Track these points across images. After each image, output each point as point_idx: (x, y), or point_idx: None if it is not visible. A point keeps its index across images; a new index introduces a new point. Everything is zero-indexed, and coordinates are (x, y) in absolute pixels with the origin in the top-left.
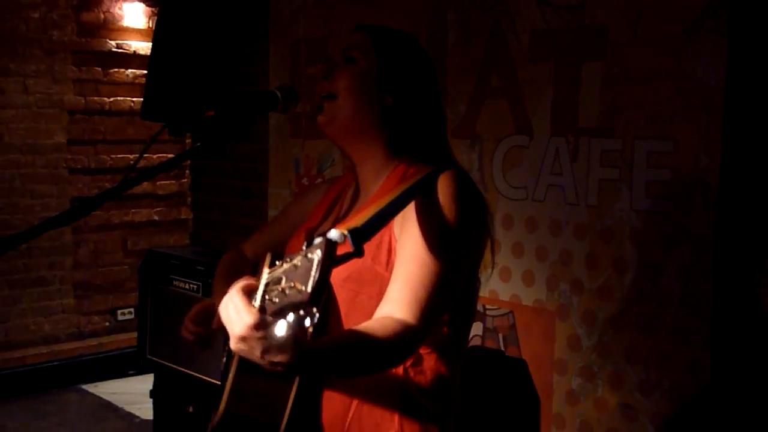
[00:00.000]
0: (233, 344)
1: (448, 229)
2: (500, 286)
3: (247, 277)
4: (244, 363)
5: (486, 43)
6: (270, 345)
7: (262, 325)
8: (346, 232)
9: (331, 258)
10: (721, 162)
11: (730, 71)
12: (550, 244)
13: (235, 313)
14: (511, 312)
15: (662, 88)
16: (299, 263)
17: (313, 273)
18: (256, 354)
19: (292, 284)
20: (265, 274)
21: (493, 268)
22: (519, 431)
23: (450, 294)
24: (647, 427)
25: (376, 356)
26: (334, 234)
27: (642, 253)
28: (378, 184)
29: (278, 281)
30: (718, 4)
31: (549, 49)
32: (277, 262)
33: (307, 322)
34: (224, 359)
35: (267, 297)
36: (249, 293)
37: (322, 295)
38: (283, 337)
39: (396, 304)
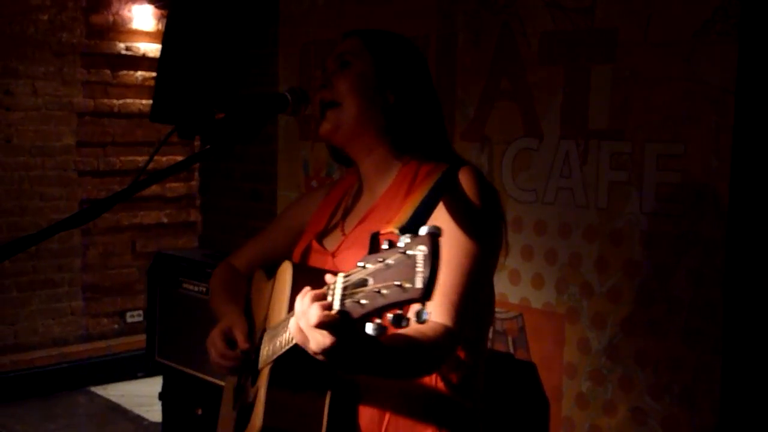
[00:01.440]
0: (312, 343)
1: (478, 228)
2: (509, 288)
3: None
4: (276, 376)
5: (495, 45)
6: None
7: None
8: (396, 231)
9: (437, 252)
10: (731, 165)
11: (740, 74)
12: (559, 247)
13: (310, 310)
14: (521, 315)
15: (672, 91)
16: (393, 262)
17: (421, 268)
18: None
19: (391, 283)
20: (340, 279)
21: (505, 258)
22: None
23: (478, 293)
24: (657, 431)
25: (425, 360)
26: (430, 229)
27: (652, 256)
28: (386, 183)
29: (362, 284)
30: (729, 7)
31: (559, 51)
32: (359, 265)
33: (425, 315)
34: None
35: (350, 300)
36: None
37: (432, 292)
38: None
39: (433, 308)
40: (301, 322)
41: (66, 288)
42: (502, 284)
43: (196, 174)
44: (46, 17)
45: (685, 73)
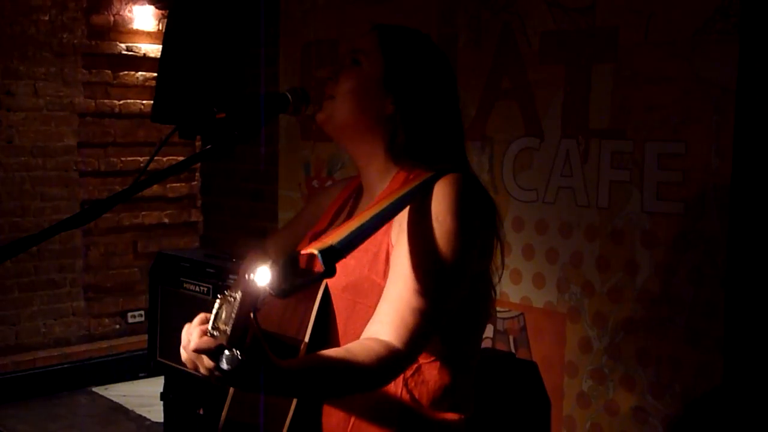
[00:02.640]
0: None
1: (441, 242)
2: (511, 288)
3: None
4: None
5: (496, 44)
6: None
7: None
8: (316, 252)
9: (251, 300)
10: (732, 164)
11: (741, 73)
12: (560, 246)
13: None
14: (522, 314)
15: (673, 90)
16: (231, 299)
17: (233, 315)
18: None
19: (222, 323)
20: (216, 304)
21: (502, 270)
22: None
23: (442, 314)
24: (658, 430)
25: (353, 381)
26: (260, 275)
27: (653, 255)
28: (383, 186)
29: (219, 315)
30: (729, 6)
31: (559, 50)
32: (221, 295)
33: (224, 365)
34: None
35: (212, 331)
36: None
37: (240, 337)
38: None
39: (382, 326)
40: (186, 348)
41: (67, 288)
42: (503, 283)
43: (198, 174)
44: (46, 18)
45: (685, 72)
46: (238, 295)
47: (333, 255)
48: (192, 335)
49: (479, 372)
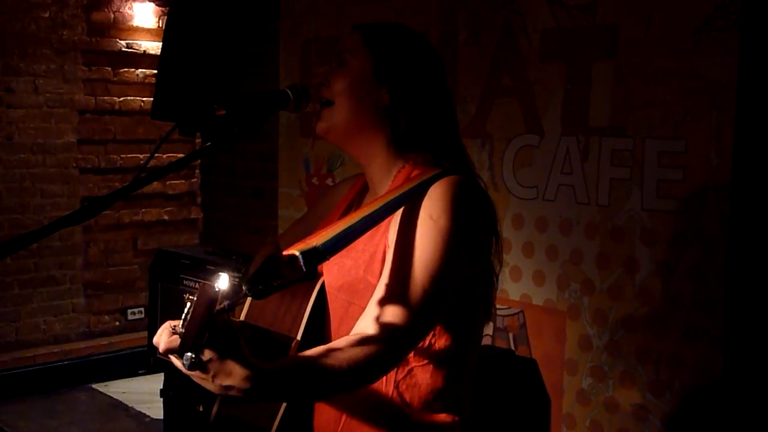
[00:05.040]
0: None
1: (435, 238)
2: (510, 285)
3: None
4: None
5: (496, 42)
6: (217, 368)
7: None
8: (297, 254)
9: (205, 302)
10: (732, 161)
11: (741, 70)
12: (560, 244)
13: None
14: (522, 311)
15: (673, 88)
16: (188, 303)
17: (187, 317)
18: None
19: (181, 324)
20: (187, 305)
21: (500, 267)
22: (529, 431)
23: (433, 309)
24: (658, 428)
25: (336, 380)
26: (220, 281)
27: (653, 252)
28: (387, 184)
29: (186, 316)
30: (730, 3)
31: (560, 48)
32: (187, 295)
33: (179, 365)
34: None
35: (180, 330)
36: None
37: (199, 339)
38: (227, 360)
39: (371, 322)
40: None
41: (67, 285)
42: (503, 281)
43: (197, 171)
44: (47, 15)
45: (686, 69)
46: (194, 298)
47: (314, 257)
48: (161, 336)
49: (478, 369)
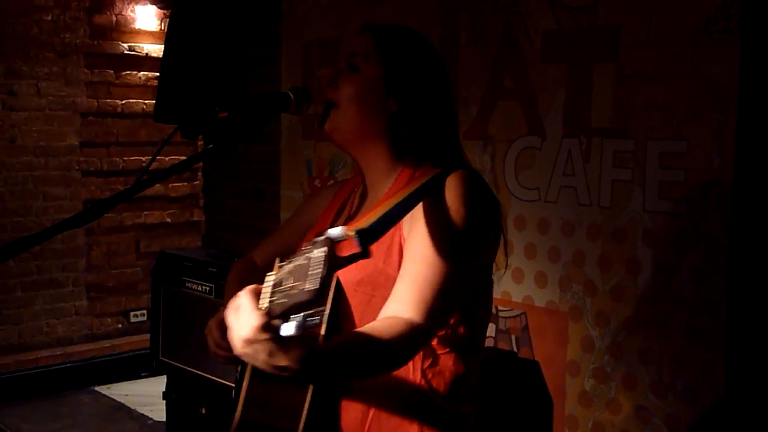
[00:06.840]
0: (238, 348)
1: (456, 230)
2: (513, 287)
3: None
4: (258, 370)
5: (498, 44)
6: (275, 348)
7: (268, 327)
8: (352, 232)
9: (333, 255)
10: (734, 162)
11: (743, 71)
12: (562, 246)
13: (241, 315)
14: (524, 313)
15: (675, 89)
16: (302, 262)
17: (315, 270)
18: (260, 358)
19: (296, 284)
20: (271, 276)
21: (506, 268)
22: None
23: (458, 295)
24: (661, 429)
25: (382, 357)
26: (334, 232)
27: (655, 254)
28: (387, 187)
29: (283, 282)
30: (731, 5)
31: (561, 49)
32: (281, 263)
33: (315, 321)
34: (239, 366)
35: (273, 299)
36: (257, 296)
37: (327, 293)
38: (289, 337)
39: (402, 304)
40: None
41: (70, 288)
42: (505, 282)
43: (200, 173)
44: (49, 18)
45: (687, 70)
46: (318, 252)
47: (368, 236)
48: (247, 317)
49: (481, 371)
